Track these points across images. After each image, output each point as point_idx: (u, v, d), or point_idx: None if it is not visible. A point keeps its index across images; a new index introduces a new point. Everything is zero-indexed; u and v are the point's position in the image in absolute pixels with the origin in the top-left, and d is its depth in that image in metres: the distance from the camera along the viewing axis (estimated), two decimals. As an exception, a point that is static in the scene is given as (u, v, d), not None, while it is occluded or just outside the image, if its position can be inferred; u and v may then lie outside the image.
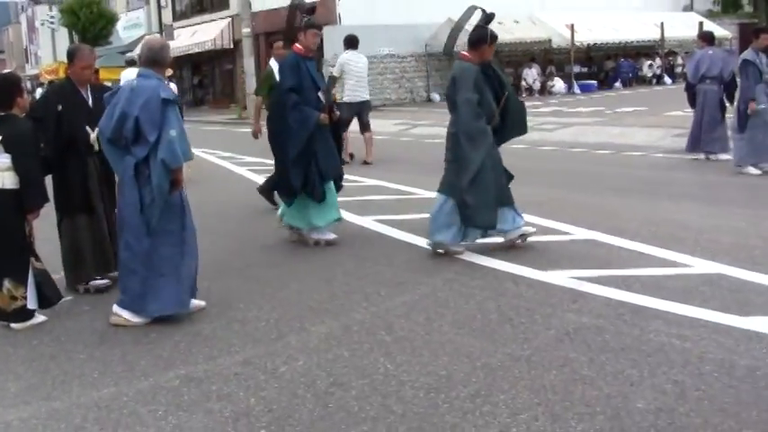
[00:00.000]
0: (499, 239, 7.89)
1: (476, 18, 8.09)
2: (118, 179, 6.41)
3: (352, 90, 14.75)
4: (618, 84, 36.64)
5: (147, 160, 5.98)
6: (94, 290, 7.10)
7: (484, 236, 7.81)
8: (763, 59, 12.17)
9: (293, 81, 8.17)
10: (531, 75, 34.40)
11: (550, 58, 35.92)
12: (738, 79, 12.56)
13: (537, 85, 34.49)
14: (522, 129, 8.01)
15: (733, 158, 12.67)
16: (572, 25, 33.24)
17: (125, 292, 6.19)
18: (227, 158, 17.65)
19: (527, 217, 8.14)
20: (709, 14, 42.60)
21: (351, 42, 14.81)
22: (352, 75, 14.74)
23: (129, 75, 11.55)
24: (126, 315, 6.16)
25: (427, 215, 7.97)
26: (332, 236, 8.56)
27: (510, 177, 7.92)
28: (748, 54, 12.34)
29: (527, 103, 8.61)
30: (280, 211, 8.83)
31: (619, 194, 10.77)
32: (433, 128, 22.53)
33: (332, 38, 29.94)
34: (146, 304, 6.12)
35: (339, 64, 14.91)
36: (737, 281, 6.55)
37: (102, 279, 7.13)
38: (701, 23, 31.36)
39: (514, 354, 5.16)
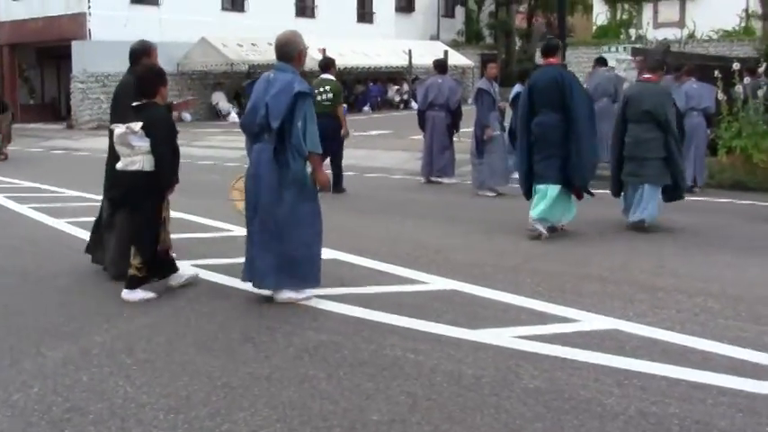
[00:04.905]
0: None
1: None
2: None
3: None
4: (367, 107, 37.62)
5: (283, 145, 6.46)
6: None
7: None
8: (495, 88, 12.96)
9: None
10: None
11: (303, 80, 36.39)
12: (474, 107, 13.26)
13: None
14: None
15: (472, 182, 13.33)
16: (324, 49, 33.84)
17: (262, 272, 6.62)
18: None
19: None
20: (454, 44, 44.74)
21: None
22: None
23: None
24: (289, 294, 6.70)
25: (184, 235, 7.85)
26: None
27: None
28: (482, 83, 13.11)
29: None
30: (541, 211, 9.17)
31: (360, 214, 11.07)
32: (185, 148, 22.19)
33: (81, 53, 29.02)
34: (285, 278, 6.63)
35: None
36: (469, 296, 6.95)
37: None
38: (445, 52, 32.81)
39: (255, 372, 5.21)
